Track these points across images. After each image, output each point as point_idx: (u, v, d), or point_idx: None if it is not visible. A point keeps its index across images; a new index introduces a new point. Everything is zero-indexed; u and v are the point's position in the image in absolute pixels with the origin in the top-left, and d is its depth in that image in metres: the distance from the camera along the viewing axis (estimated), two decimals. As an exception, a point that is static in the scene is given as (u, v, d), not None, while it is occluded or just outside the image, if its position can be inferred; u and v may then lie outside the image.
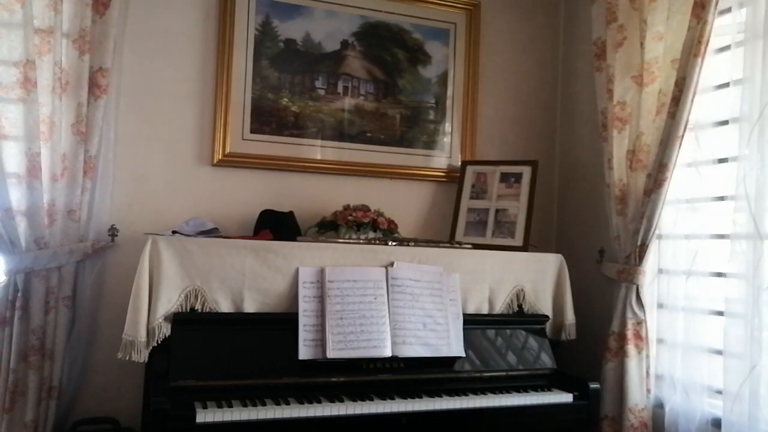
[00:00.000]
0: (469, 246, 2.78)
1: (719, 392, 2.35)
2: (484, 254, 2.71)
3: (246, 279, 2.32)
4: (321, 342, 2.29)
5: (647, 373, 2.60)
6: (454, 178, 3.18)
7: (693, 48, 2.40)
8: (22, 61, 2.37)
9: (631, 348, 2.58)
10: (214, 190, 2.86)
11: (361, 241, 2.62)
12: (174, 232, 2.48)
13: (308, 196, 2.97)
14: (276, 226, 2.67)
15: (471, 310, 2.62)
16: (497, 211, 3.00)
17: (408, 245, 2.64)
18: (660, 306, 2.72)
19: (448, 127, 3.24)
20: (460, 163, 3.19)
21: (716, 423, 2.34)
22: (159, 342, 2.18)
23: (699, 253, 2.49)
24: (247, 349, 2.25)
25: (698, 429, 2.39)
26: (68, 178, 2.49)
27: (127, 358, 2.15)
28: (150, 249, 2.22)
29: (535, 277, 2.75)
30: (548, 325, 2.75)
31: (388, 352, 2.34)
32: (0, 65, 2.38)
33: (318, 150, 3.01)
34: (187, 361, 2.16)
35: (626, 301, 2.62)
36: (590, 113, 3.09)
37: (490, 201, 3.04)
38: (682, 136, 2.46)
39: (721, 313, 2.39)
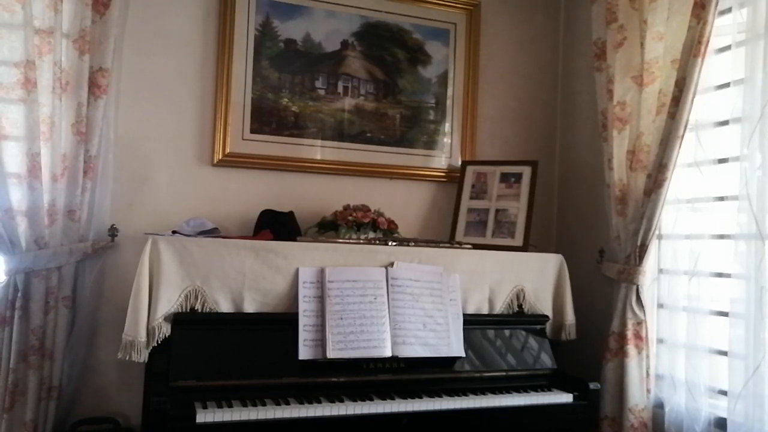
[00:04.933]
0: (469, 246, 2.78)
1: (722, 392, 2.35)
2: (484, 254, 2.71)
3: (246, 279, 2.32)
4: (321, 342, 2.29)
5: (647, 373, 2.60)
6: (454, 178, 3.18)
7: (693, 48, 2.41)
8: (23, 61, 2.37)
9: (631, 348, 2.58)
10: (214, 190, 2.86)
11: (361, 241, 2.62)
12: (174, 232, 2.48)
13: (308, 196, 2.96)
14: (276, 226, 2.67)
15: (471, 310, 2.62)
16: (497, 211, 3.00)
17: (408, 245, 2.63)
18: (660, 306, 2.72)
19: (448, 127, 3.24)
20: (460, 163, 3.19)
21: (718, 423, 2.35)
22: (159, 342, 2.19)
23: (700, 254, 2.49)
24: (247, 349, 2.25)
25: (701, 429, 2.38)
26: (68, 178, 2.49)
27: (127, 358, 2.15)
28: (150, 249, 2.22)
29: (535, 277, 2.75)
30: (548, 325, 2.75)
31: (388, 352, 2.34)
32: (0, 66, 2.37)
33: (318, 150, 3.01)
34: (187, 361, 2.16)
35: (626, 301, 2.62)
36: (590, 113, 3.09)
37: (490, 201, 3.04)
38: (683, 136, 2.46)
39: (723, 314, 2.39)
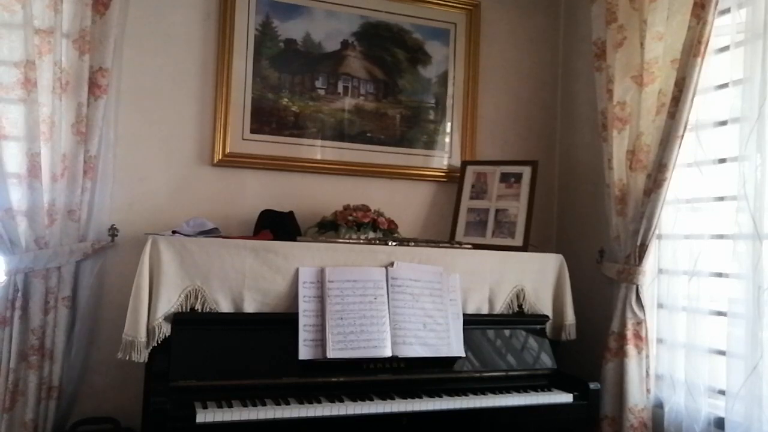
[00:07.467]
0: (469, 246, 2.78)
1: (721, 392, 2.35)
2: (484, 254, 2.71)
3: (246, 279, 2.32)
4: (321, 342, 2.29)
5: (647, 373, 2.60)
6: (454, 178, 3.18)
7: (693, 48, 2.40)
8: (23, 61, 2.37)
9: (630, 348, 2.58)
10: (214, 190, 2.86)
11: (361, 241, 2.62)
12: (174, 232, 2.48)
13: (308, 196, 2.97)
14: (276, 226, 2.67)
15: (471, 310, 2.62)
16: (497, 211, 3.00)
17: (408, 245, 2.63)
18: (660, 306, 2.72)
19: (448, 127, 3.24)
20: (460, 163, 3.19)
21: (717, 423, 2.35)
22: (159, 342, 2.18)
23: (699, 254, 2.49)
24: (247, 349, 2.25)
25: (700, 429, 2.38)
26: (68, 178, 2.49)
27: (127, 358, 2.15)
28: (150, 249, 2.22)
29: (535, 277, 2.75)
30: (548, 325, 2.75)
31: (388, 352, 2.34)
32: (0, 65, 2.38)
33: (318, 150, 3.02)
34: (187, 361, 2.16)
35: (626, 301, 2.62)
36: (590, 113, 3.09)
37: (490, 201, 3.04)
38: (682, 136, 2.46)
39: (721, 313, 2.39)
